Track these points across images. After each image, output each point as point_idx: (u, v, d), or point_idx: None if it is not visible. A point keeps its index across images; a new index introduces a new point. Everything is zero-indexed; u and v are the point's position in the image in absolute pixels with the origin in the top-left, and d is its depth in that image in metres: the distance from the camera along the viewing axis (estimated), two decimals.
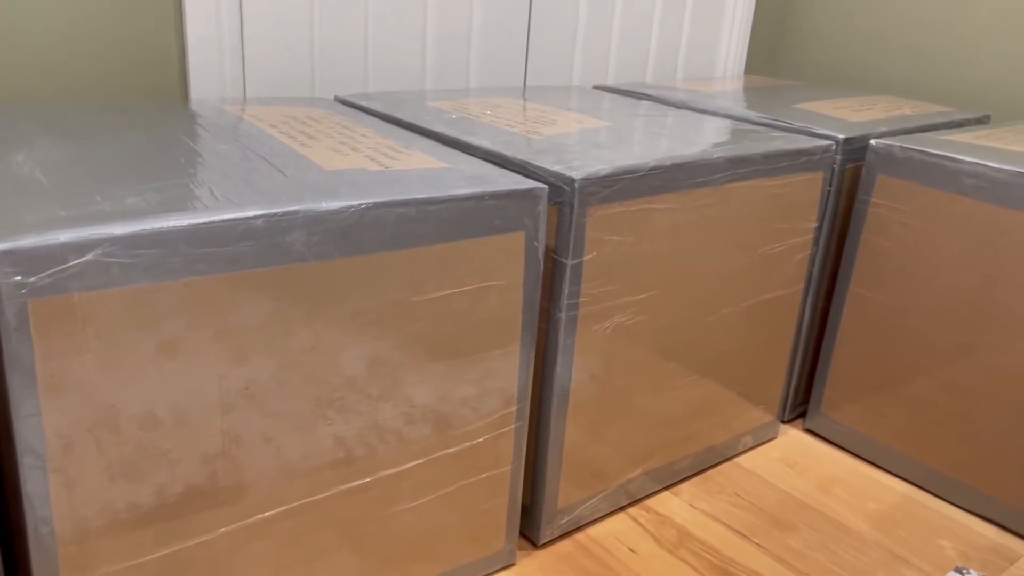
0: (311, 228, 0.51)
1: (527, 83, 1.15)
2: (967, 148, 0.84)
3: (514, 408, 0.67)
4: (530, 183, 0.62)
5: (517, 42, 1.12)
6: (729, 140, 0.80)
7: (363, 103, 0.87)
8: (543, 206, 0.63)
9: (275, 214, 0.50)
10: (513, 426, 0.68)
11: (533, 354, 0.67)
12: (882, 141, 0.86)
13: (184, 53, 0.87)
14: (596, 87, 1.15)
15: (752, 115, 0.96)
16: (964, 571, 0.76)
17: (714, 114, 0.99)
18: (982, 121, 1.09)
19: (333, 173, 0.59)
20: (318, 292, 0.53)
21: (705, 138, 0.80)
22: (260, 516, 0.55)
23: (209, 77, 0.88)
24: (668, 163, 0.71)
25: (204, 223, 0.48)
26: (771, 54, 1.53)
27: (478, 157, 0.72)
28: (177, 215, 0.47)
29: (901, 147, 0.85)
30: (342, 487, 0.59)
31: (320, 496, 0.58)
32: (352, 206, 0.53)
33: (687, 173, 0.72)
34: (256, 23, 0.89)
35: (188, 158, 0.60)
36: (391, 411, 0.59)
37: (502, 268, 0.62)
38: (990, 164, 0.79)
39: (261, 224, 0.49)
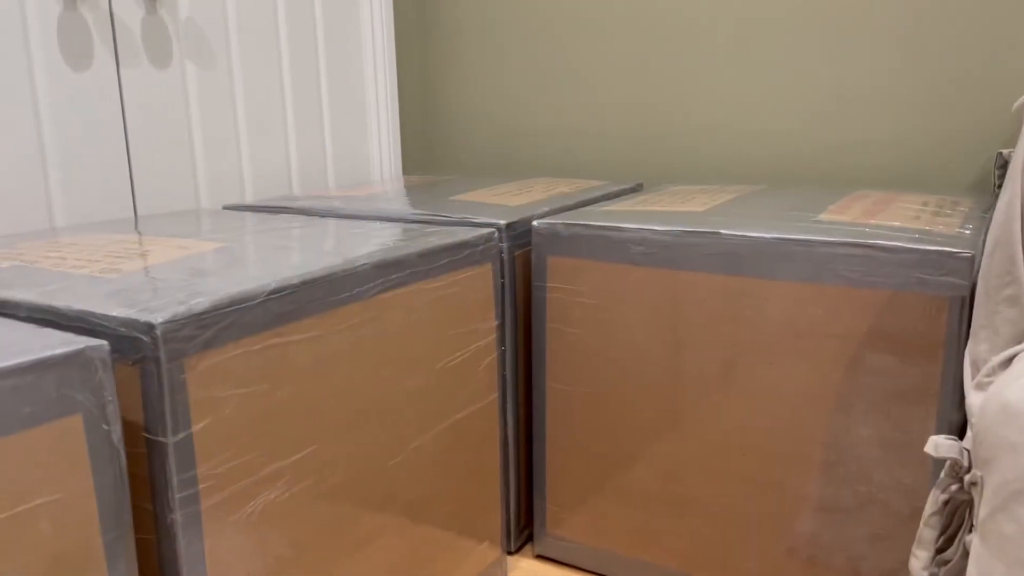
0: None
1: (138, 212, 0.94)
2: (629, 216, 0.79)
3: None
4: (77, 343, 0.42)
5: (115, 167, 0.91)
6: (376, 244, 0.67)
7: None
8: (105, 371, 0.43)
9: None
10: None
11: None
12: (544, 221, 0.78)
13: None
14: (227, 207, 0.97)
15: (407, 213, 0.85)
16: None
17: (363, 218, 0.86)
18: (636, 190, 1.08)
19: None
20: None
21: (347, 246, 0.66)
22: None
23: None
24: (296, 281, 0.55)
25: None
26: (427, 153, 1.47)
27: (18, 317, 0.51)
28: None
29: (564, 224, 0.77)
30: None
31: None
32: None
33: (324, 290, 0.57)
34: None
35: None
36: None
37: (53, 476, 0.41)
38: (653, 228, 0.73)
39: None
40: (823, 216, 0.76)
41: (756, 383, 0.72)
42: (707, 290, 0.72)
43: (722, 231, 0.71)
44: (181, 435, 0.48)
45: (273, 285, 0.53)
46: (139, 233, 0.75)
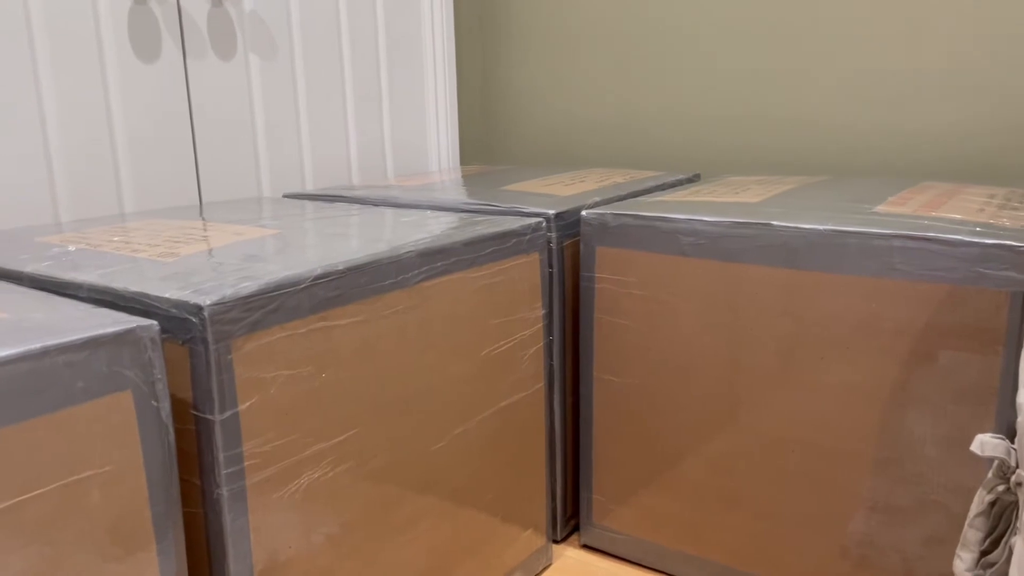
0: None
1: (203, 200, 0.97)
2: (679, 206, 0.78)
3: None
4: (128, 322, 0.44)
5: (181, 156, 0.94)
6: (424, 232, 0.68)
7: None
8: (154, 350, 0.45)
9: None
10: None
11: (182, 558, 0.48)
12: (593, 211, 0.78)
13: None
14: (287, 195, 1.00)
15: (458, 202, 0.86)
16: None
17: (416, 207, 0.87)
18: (693, 180, 1.07)
19: None
20: None
21: (396, 234, 0.67)
22: None
23: None
24: (341, 267, 0.56)
25: None
26: (485, 143, 1.47)
27: (80, 297, 0.53)
28: None
29: (613, 214, 0.77)
30: None
31: None
32: None
33: (369, 276, 0.58)
34: None
35: None
36: None
37: (104, 449, 0.43)
38: (704, 218, 0.72)
39: None
40: (881, 208, 0.74)
41: (810, 378, 0.70)
42: (760, 283, 0.71)
43: (774, 223, 0.69)
44: (228, 413, 0.49)
45: (319, 271, 0.54)
46: (199, 219, 0.77)
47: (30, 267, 0.57)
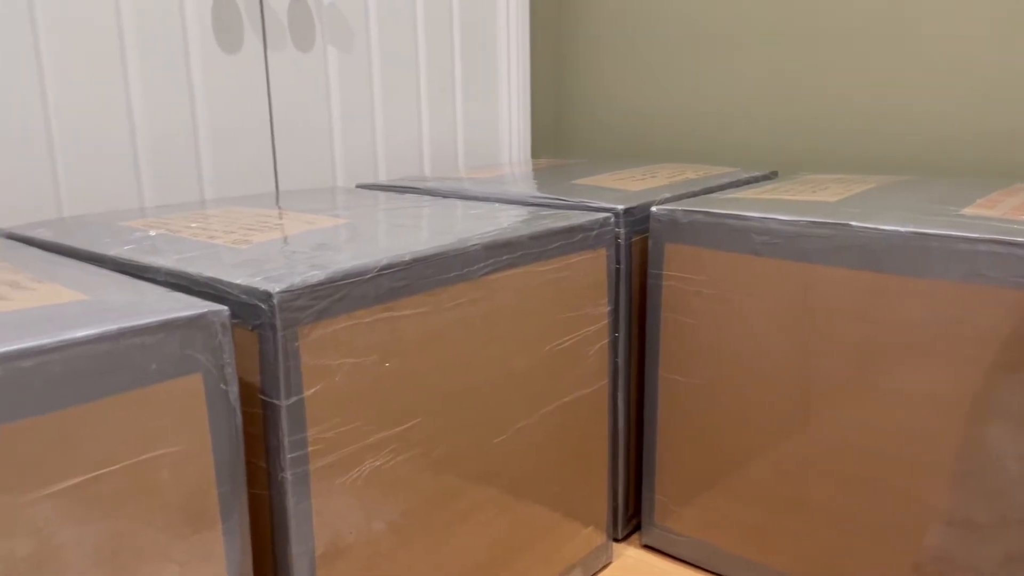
0: None
1: (279, 189, 1.00)
2: (752, 204, 0.76)
3: None
4: (200, 306, 0.45)
5: (260, 146, 0.97)
6: (491, 225, 0.68)
7: (30, 234, 0.68)
8: (224, 335, 0.46)
9: None
10: None
11: (247, 538, 0.49)
12: (664, 207, 0.77)
13: None
14: (360, 185, 1.01)
15: (527, 196, 0.85)
16: None
17: (485, 199, 0.87)
18: (769, 178, 1.04)
19: None
20: None
21: (463, 226, 0.68)
22: None
23: None
24: (407, 258, 0.57)
25: None
26: (557, 137, 1.47)
27: (158, 281, 0.55)
28: None
29: (684, 211, 0.75)
30: None
31: None
32: None
33: (434, 268, 0.58)
34: None
35: None
36: None
37: (174, 429, 0.44)
38: (779, 217, 0.70)
39: None
40: (968, 210, 0.70)
41: (887, 385, 0.67)
42: (837, 285, 0.69)
43: (853, 223, 0.67)
44: (294, 399, 0.50)
45: (385, 261, 0.55)
46: (274, 207, 0.79)
47: (113, 251, 0.60)
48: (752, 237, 0.72)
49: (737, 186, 0.95)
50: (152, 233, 0.66)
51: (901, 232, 0.64)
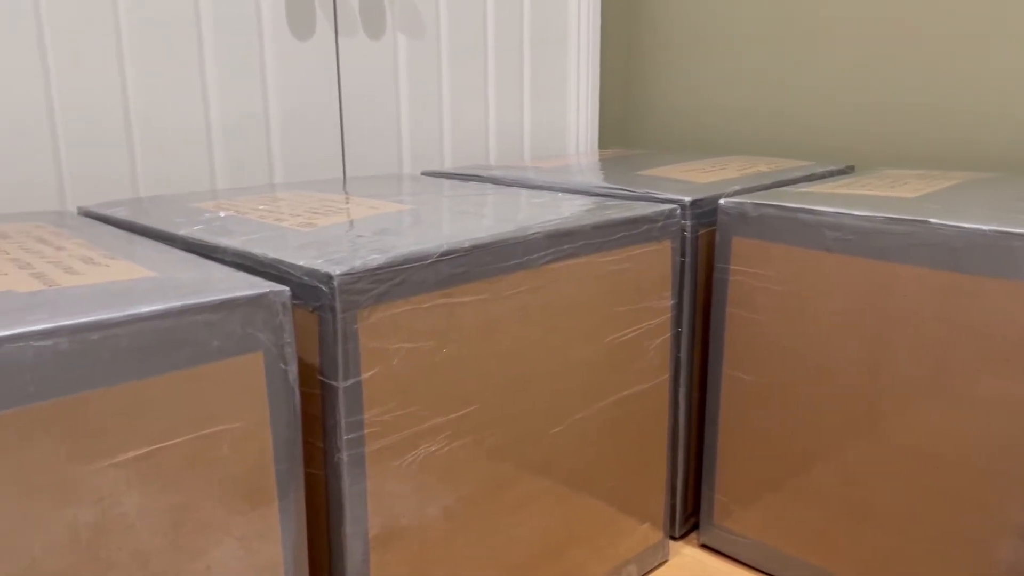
0: None
1: (347, 175, 1.01)
2: (826, 199, 0.73)
3: None
4: (262, 287, 0.46)
5: (329, 131, 0.98)
6: (553, 214, 0.67)
7: (106, 212, 0.71)
8: (285, 315, 0.47)
9: None
10: None
11: (302, 516, 0.50)
12: (732, 200, 0.75)
13: None
14: (425, 173, 1.02)
15: (591, 186, 0.84)
16: None
17: (548, 188, 0.87)
18: (845, 172, 1.01)
19: None
20: None
21: (525, 214, 0.67)
22: None
23: None
24: (467, 245, 0.56)
25: None
26: (625, 127, 1.45)
27: (225, 261, 0.56)
28: None
29: (753, 204, 0.73)
30: None
31: None
32: None
33: (494, 255, 0.58)
34: None
35: None
36: None
37: (234, 406, 0.45)
38: (853, 213, 0.68)
39: None
40: None
41: (962, 390, 0.64)
42: (913, 285, 0.66)
43: (932, 220, 0.64)
44: (351, 381, 0.51)
45: (444, 247, 0.55)
46: (341, 193, 0.80)
47: (183, 230, 0.61)
48: (824, 233, 0.69)
49: (810, 180, 0.92)
50: (222, 214, 0.68)
51: (984, 230, 0.61)
